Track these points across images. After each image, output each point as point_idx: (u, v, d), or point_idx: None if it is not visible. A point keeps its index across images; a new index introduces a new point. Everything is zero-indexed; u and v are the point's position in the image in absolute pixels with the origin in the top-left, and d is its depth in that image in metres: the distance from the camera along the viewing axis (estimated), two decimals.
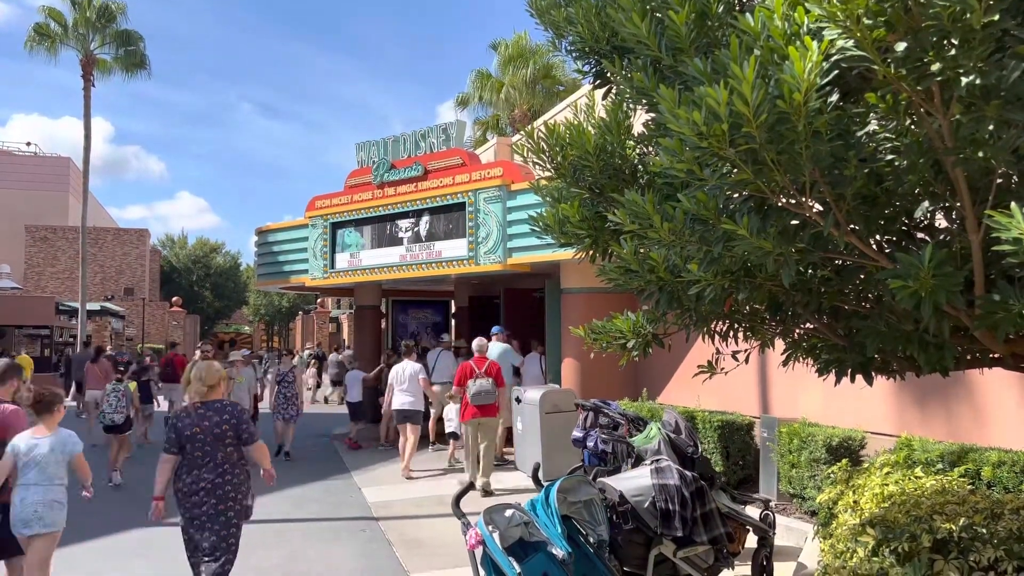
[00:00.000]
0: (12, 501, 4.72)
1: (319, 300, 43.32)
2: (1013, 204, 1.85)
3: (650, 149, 3.44)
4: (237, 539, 4.91)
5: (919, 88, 2.09)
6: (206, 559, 4.79)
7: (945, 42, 2.00)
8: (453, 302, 15.88)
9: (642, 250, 3.02)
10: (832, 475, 5.23)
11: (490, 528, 3.56)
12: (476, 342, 9.71)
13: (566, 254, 7.99)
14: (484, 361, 9.21)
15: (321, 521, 7.72)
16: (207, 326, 55.15)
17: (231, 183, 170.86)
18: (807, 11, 2.13)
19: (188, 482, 4.73)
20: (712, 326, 3.31)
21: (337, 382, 19.55)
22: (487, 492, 8.66)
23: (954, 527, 3.34)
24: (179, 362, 14.23)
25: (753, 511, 5.52)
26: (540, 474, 4.55)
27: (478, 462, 8.96)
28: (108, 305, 35.90)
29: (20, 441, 4.80)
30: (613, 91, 3.42)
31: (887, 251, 2.71)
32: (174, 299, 44.13)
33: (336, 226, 12.82)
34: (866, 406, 7.13)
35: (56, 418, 4.96)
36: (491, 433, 9.08)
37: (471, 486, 3.96)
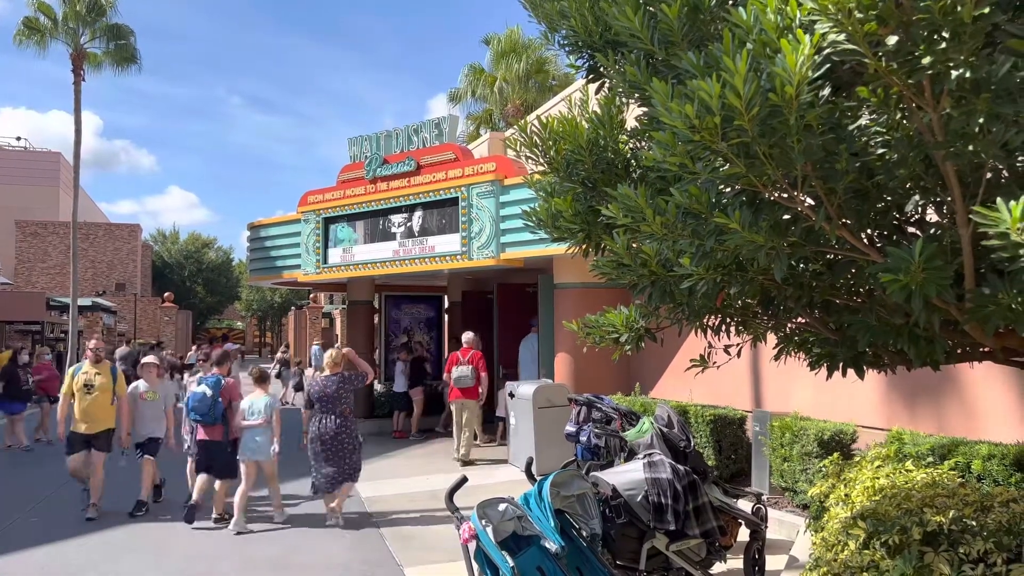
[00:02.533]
0: (241, 439, 7.29)
1: (312, 295, 43.22)
2: (999, 199, 1.86)
3: (643, 143, 3.44)
4: (353, 462, 7.35)
5: (910, 82, 2.09)
6: (330, 478, 7.25)
7: (936, 36, 2.00)
8: (446, 297, 15.86)
9: (635, 244, 3.03)
10: (824, 469, 5.25)
11: (483, 522, 3.57)
12: (465, 335, 11.06)
13: (559, 249, 7.99)
14: (468, 351, 10.65)
15: (316, 515, 7.72)
16: (199, 322, 55.00)
17: (222, 177, 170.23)
18: (799, 4, 2.13)
19: (317, 427, 7.27)
20: (704, 320, 3.32)
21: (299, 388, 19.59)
22: (465, 462, 10.18)
23: (944, 520, 3.36)
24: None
25: (745, 505, 5.54)
26: (533, 468, 4.56)
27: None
28: (99, 301, 35.73)
29: (246, 401, 7.41)
30: (606, 86, 3.42)
31: (878, 245, 2.72)
32: (166, 295, 43.97)
33: (329, 221, 12.79)
34: (857, 400, 7.16)
35: (267, 387, 7.66)
36: (470, 412, 10.50)
37: (464, 480, 3.97)
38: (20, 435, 12.45)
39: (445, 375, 10.60)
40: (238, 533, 7.00)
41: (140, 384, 8.11)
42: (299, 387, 19.41)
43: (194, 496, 7.39)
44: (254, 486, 7.34)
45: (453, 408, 10.56)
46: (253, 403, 7.36)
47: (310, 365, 24.36)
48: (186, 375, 18.03)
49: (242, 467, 7.33)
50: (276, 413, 7.37)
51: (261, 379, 7.64)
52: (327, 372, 7.43)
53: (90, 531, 7.15)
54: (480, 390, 10.56)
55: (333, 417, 7.23)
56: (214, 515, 7.36)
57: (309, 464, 7.49)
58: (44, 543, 6.79)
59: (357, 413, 14.08)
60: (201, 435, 7.47)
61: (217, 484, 7.42)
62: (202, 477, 7.43)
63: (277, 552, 6.49)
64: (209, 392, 7.39)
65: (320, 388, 7.32)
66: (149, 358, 8.50)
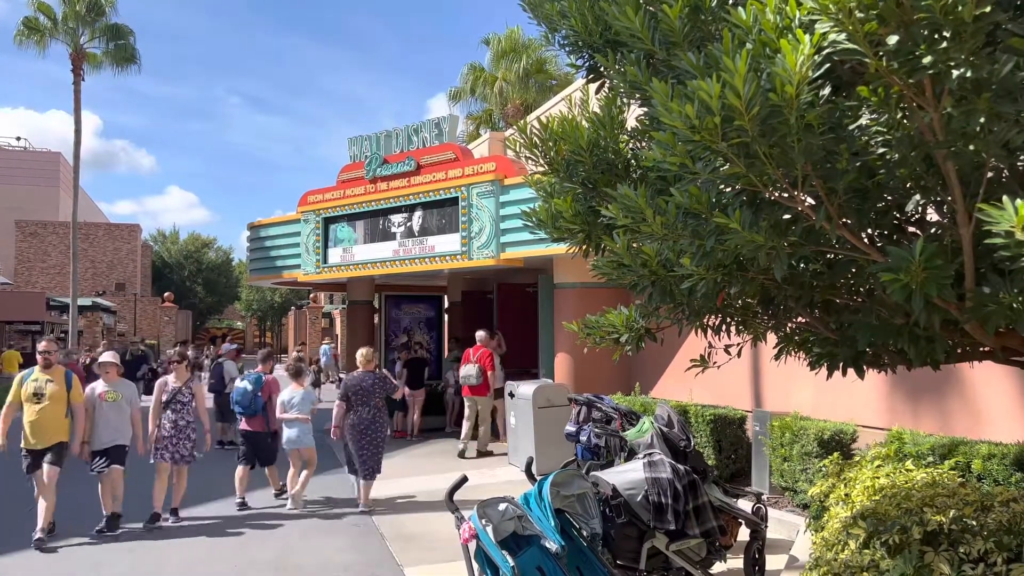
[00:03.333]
0: (283, 430, 8.09)
1: (312, 295, 43.24)
2: (1005, 197, 1.86)
3: (643, 143, 3.44)
4: (379, 456, 7.99)
5: (911, 81, 2.09)
6: (361, 468, 7.91)
7: (937, 35, 2.00)
8: (446, 297, 15.86)
9: (635, 244, 3.02)
10: (824, 468, 5.25)
11: (483, 522, 3.57)
12: (478, 333, 11.29)
13: (559, 249, 8.00)
14: (479, 349, 10.92)
15: (314, 516, 7.72)
16: (199, 322, 54.99)
17: (222, 177, 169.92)
18: (799, 4, 2.13)
19: (353, 418, 7.89)
20: (704, 320, 3.32)
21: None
22: (482, 453, 10.76)
23: (944, 519, 3.36)
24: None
25: (745, 504, 5.54)
26: (533, 468, 4.56)
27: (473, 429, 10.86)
28: (99, 301, 35.74)
29: (285, 394, 8.16)
30: (606, 86, 3.41)
31: (879, 245, 2.72)
32: (166, 295, 43.97)
33: (328, 221, 12.78)
34: (858, 400, 7.16)
35: (303, 381, 8.37)
36: (483, 408, 10.92)
37: (464, 479, 3.97)
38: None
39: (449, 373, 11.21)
40: (292, 509, 7.97)
41: (99, 384, 7.29)
42: (316, 383, 19.93)
43: (237, 488, 8.14)
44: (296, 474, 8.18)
45: (466, 403, 10.98)
46: (291, 397, 8.13)
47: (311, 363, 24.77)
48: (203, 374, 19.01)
49: (289, 456, 8.24)
50: (311, 406, 8.27)
51: (297, 374, 8.38)
52: (361, 368, 8.13)
53: (89, 530, 7.14)
54: (490, 386, 10.87)
55: (367, 408, 7.94)
56: (273, 491, 8.53)
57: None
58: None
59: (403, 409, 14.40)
60: (243, 426, 8.36)
61: (267, 470, 8.55)
62: (241, 469, 8.21)
63: (277, 553, 6.49)
64: (250, 387, 8.27)
65: (356, 382, 8.00)
66: (106, 356, 7.64)
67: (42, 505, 6.77)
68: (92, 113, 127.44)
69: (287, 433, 8.09)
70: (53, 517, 6.92)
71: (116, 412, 7.22)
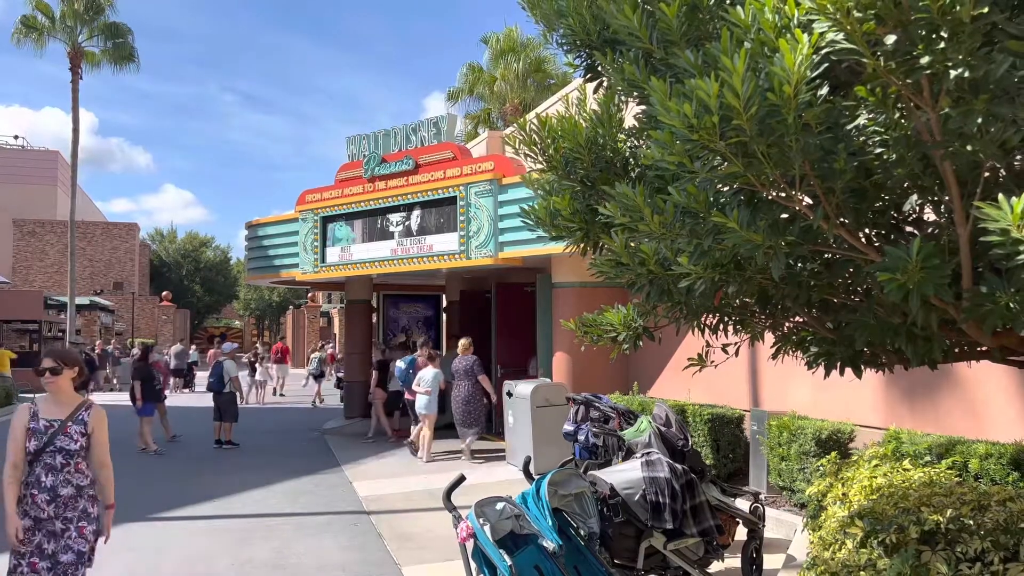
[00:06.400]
0: (415, 401, 10.70)
1: (310, 294, 43.21)
2: (1001, 196, 1.86)
3: (641, 142, 3.44)
4: (476, 415, 10.68)
5: (908, 81, 2.09)
6: (462, 425, 10.66)
7: (934, 35, 2.00)
8: (444, 296, 15.86)
9: (632, 243, 3.02)
10: (821, 468, 5.26)
11: (481, 521, 3.57)
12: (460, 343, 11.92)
13: (557, 248, 8.00)
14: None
15: (312, 515, 7.72)
16: (197, 320, 54.94)
17: (218, 176, 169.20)
18: (797, 4, 2.13)
19: (458, 391, 10.66)
20: (702, 319, 3.32)
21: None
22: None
23: (941, 519, 3.37)
24: None
25: (743, 504, 5.55)
26: (531, 467, 4.56)
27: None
28: (97, 299, 35.68)
29: (423, 372, 10.70)
30: (604, 84, 3.41)
31: (876, 244, 2.72)
32: (164, 293, 43.92)
33: (327, 220, 12.78)
34: (855, 399, 7.17)
35: (436, 363, 10.75)
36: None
37: (462, 479, 3.97)
38: (147, 437, 11.82)
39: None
40: (428, 461, 10.37)
41: None
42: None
43: (412, 438, 11.00)
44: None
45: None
46: (422, 375, 10.67)
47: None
48: (258, 368, 20.63)
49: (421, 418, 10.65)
50: (440, 382, 10.57)
51: (431, 358, 10.89)
52: (461, 354, 10.70)
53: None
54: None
55: (467, 384, 10.47)
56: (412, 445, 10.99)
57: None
58: None
59: (356, 413, 14.35)
60: (408, 396, 11.16)
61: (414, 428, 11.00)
62: (415, 427, 10.91)
63: (276, 552, 6.49)
64: (404, 366, 11.52)
65: (460, 364, 10.58)
66: None
67: None
68: (87, 110, 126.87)
69: (419, 401, 10.60)
70: None
71: None
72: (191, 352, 26.49)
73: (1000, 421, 6.15)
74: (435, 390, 10.54)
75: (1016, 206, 1.80)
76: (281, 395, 22.79)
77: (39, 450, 3.90)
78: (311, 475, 9.78)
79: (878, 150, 2.40)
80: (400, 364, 11.64)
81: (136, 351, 28.16)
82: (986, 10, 1.92)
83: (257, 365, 21.14)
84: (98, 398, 21.44)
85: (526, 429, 9.20)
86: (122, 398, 22.54)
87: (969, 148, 2.15)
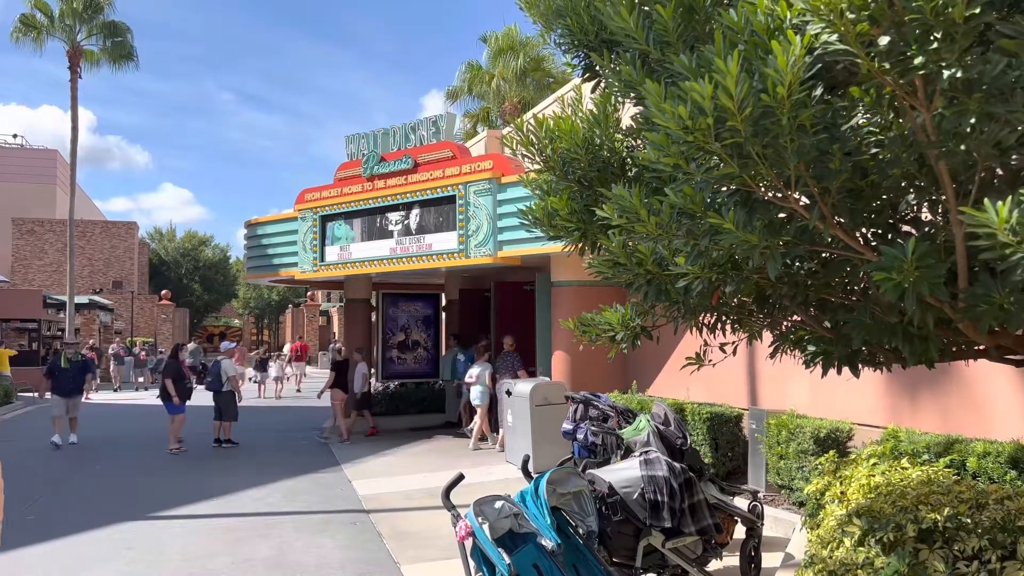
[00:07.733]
0: (470, 392, 11.57)
1: (309, 293, 43.23)
2: (987, 200, 1.87)
3: (638, 142, 3.44)
4: None
5: (902, 82, 2.10)
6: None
7: (928, 36, 2.01)
8: (443, 295, 15.86)
9: (630, 244, 3.03)
10: (819, 466, 5.27)
11: (480, 520, 3.57)
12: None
13: (556, 247, 8.00)
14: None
15: (311, 514, 7.73)
16: (196, 319, 54.91)
17: (217, 174, 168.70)
18: (790, 5, 2.13)
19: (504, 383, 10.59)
20: (700, 318, 3.33)
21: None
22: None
23: (939, 517, 3.37)
24: None
25: (741, 502, 5.56)
26: (530, 466, 4.57)
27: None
28: (96, 298, 35.69)
29: (473, 368, 11.54)
30: (602, 85, 3.42)
31: (872, 244, 2.73)
32: (163, 292, 43.90)
33: (326, 219, 12.78)
34: (853, 398, 7.18)
35: (485, 357, 11.75)
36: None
37: (461, 477, 3.97)
38: (178, 435, 11.79)
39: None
40: (475, 449, 11.06)
41: None
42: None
43: (470, 426, 11.74)
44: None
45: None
46: (472, 369, 11.57)
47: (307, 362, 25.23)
48: (271, 365, 21.84)
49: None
50: (488, 375, 11.32)
51: (481, 352, 11.96)
52: (506, 349, 11.49)
53: (88, 530, 7.15)
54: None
55: (509, 378, 10.76)
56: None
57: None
58: (39, 542, 6.79)
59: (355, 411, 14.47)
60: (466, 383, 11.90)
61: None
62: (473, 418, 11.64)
63: (275, 550, 6.50)
64: (463, 357, 12.84)
65: (502, 360, 11.44)
66: None
67: None
68: (86, 109, 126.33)
69: (472, 392, 11.44)
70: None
71: None
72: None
73: (1001, 417, 6.16)
74: (483, 382, 11.25)
75: (1001, 210, 1.81)
76: (297, 391, 23.62)
77: None
78: (310, 474, 9.79)
79: (873, 150, 2.41)
80: (460, 357, 12.97)
81: (137, 350, 28.20)
82: (979, 10, 1.93)
83: (270, 363, 21.72)
84: (99, 397, 21.45)
85: (525, 427, 9.22)
86: (122, 398, 22.56)
87: (964, 148, 2.16)
